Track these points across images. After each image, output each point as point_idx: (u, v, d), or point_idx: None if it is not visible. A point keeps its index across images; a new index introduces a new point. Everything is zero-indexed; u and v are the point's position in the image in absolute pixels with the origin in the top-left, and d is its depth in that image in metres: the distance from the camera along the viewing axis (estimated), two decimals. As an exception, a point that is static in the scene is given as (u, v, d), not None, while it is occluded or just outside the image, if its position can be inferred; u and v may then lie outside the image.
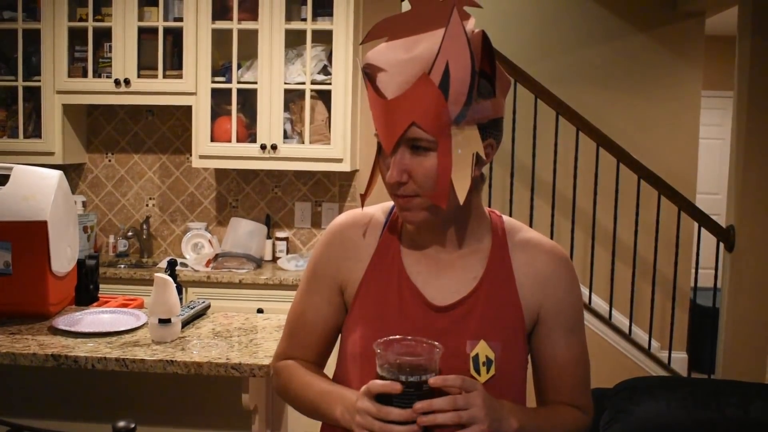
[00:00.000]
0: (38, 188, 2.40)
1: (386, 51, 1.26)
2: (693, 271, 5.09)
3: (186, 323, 2.42)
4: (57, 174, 2.47)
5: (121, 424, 1.53)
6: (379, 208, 1.48)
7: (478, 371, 1.31)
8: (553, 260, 1.40)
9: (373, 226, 1.44)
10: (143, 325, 2.39)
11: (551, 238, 4.79)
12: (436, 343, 1.25)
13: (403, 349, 1.26)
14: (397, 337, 1.27)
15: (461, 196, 1.25)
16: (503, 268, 1.38)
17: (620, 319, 4.93)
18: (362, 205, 1.43)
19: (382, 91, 1.25)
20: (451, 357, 1.28)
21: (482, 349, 1.32)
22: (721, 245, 4.69)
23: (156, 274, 2.26)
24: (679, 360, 5.28)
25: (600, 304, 4.96)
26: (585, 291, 4.87)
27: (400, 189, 1.28)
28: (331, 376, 1.46)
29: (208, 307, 2.62)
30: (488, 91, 1.27)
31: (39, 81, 4.12)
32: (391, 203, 1.45)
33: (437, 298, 1.36)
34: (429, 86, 1.20)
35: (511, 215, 4.74)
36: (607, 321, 4.79)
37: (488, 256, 1.38)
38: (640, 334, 4.98)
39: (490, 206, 5.03)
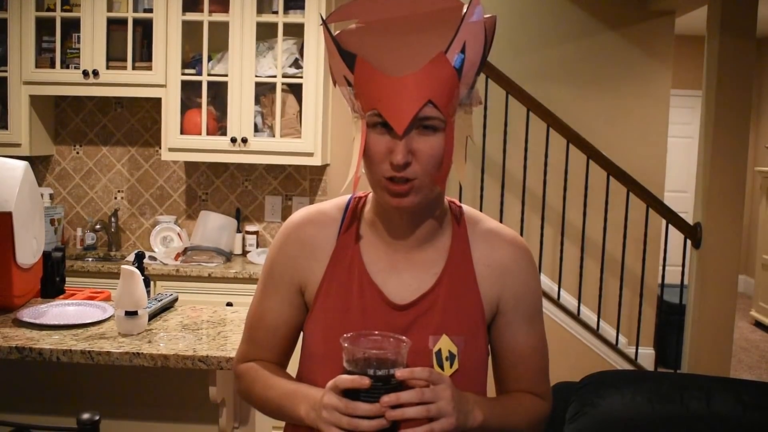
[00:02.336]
0: (3, 179, 2.36)
1: (372, 30, 1.25)
2: (661, 267, 5.14)
3: (153, 316, 2.41)
4: (22, 165, 2.44)
5: (86, 416, 1.52)
6: (334, 204, 1.44)
7: (441, 366, 1.30)
8: (513, 250, 1.39)
9: (329, 224, 1.41)
10: (110, 317, 2.37)
11: (521, 233, 4.82)
12: (403, 337, 1.25)
13: (371, 344, 1.24)
14: (364, 332, 1.27)
15: (461, 177, 1.28)
16: (463, 262, 1.37)
17: (588, 315, 4.97)
18: (354, 189, 1.36)
19: (385, 69, 1.21)
20: (413, 354, 1.26)
21: (445, 344, 1.32)
22: (689, 242, 4.74)
23: (122, 266, 2.24)
24: (646, 355, 5.34)
25: (568, 299, 4.99)
26: (554, 287, 4.91)
27: (405, 170, 1.23)
28: (294, 376, 1.44)
29: (176, 299, 2.61)
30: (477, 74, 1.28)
31: (5, 71, 4.06)
32: (345, 198, 1.44)
33: (398, 295, 1.34)
34: (445, 65, 1.20)
35: (481, 210, 4.76)
36: (576, 316, 4.83)
37: (449, 249, 1.37)
38: (608, 330, 5.02)
39: (461, 201, 5.04)
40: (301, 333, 1.45)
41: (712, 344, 4.62)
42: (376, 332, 1.27)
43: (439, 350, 1.31)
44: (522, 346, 1.41)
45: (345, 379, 1.19)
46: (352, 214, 1.41)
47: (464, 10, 1.21)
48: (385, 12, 1.25)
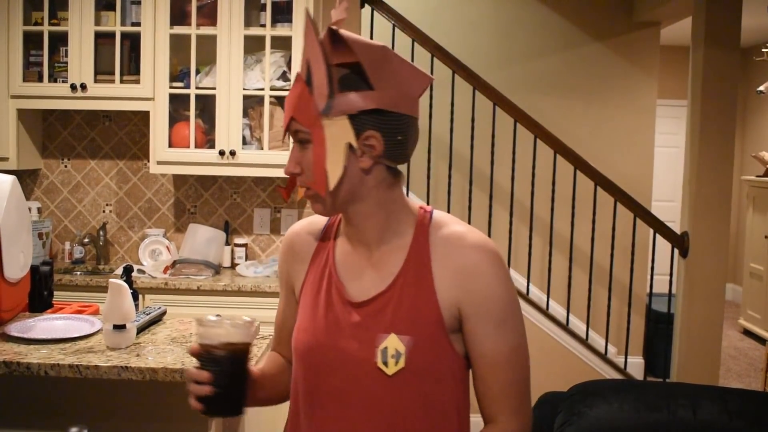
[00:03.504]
0: (-10, 193, 2.36)
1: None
2: (648, 276, 5.17)
3: (141, 329, 2.41)
4: (10, 179, 2.44)
5: (74, 430, 1.51)
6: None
7: (386, 363, 1.35)
8: (475, 253, 1.38)
9: (316, 229, 1.54)
10: (98, 331, 2.37)
11: (509, 244, 4.84)
12: (248, 319, 1.39)
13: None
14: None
15: (332, 183, 1.34)
16: (421, 264, 1.40)
17: (577, 324, 4.99)
18: (286, 199, 1.52)
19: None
20: (361, 349, 1.37)
21: (391, 342, 1.36)
22: (676, 251, 4.76)
23: (110, 280, 2.24)
24: (635, 365, 5.36)
25: (557, 309, 5.01)
26: (543, 297, 4.92)
27: (297, 179, 1.40)
28: None
29: (164, 313, 2.60)
30: (356, 83, 1.34)
31: (-7, 85, 4.06)
32: None
33: (356, 294, 1.42)
34: (299, 83, 1.36)
35: (469, 221, 4.78)
36: (564, 326, 4.84)
37: (408, 250, 1.41)
38: (597, 339, 5.04)
39: (449, 212, 5.03)
40: None
41: (701, 353, 4.64)
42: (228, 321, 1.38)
43: (385, 348, 1.36)
44: (490, 354, 1.39)
45: (192, 347, 1.40)
46: (333, 222, 1.53)
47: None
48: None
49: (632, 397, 2.21)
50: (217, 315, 1.41)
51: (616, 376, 4.88)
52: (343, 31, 1.34)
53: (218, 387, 1.36)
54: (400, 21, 4.52)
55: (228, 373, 1.37)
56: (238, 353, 1.38)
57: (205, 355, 1.37)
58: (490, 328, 1.38)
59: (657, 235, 4.79)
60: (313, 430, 1.43)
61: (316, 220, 1.55)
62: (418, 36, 4.55)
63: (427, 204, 4.65)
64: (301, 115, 1.35)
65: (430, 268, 1.39)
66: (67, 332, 2.34)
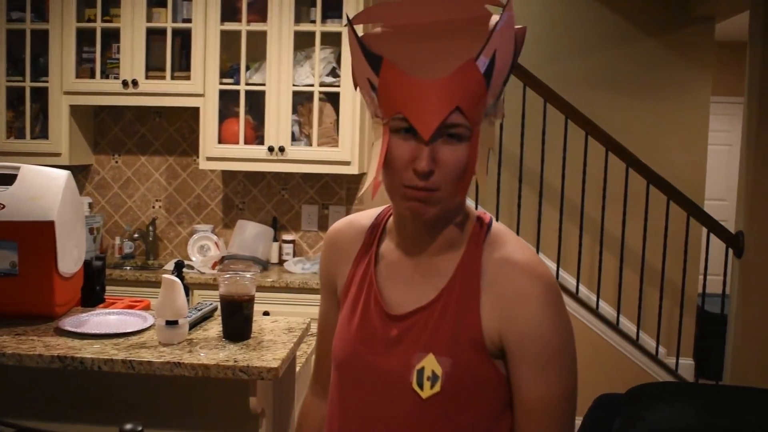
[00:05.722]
0: (46, 188, 2.38)
1: (398, 34, 1.21)
2: (701, 277, 5.06)
3: (193, 325, 2.40)
4: (65, 174, 2.45)
5: (128, 426, 1.51)
6: (369, 213, 1.46)
7: (421, 385, 1.23)
8: (527, 282, 1.23)
9: (359, 230, 1.42)
10: (150, 326, 2.37)
11: (559, 243, 4.77)
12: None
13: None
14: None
15: (483, 189, 1.26)
16: (470, 282, 1.25)
17: (627, 325, 4.91)
18: (373, 195, 1.28)
19: (413, 72, 1.17)
20: (396, 367, 1.25)
21: (429, 363, 1.23)
22: (730, 251, 4.66)
23: (163, 276, 2.24)
24: (686, 366, 5.25)
25: (607, 309, 4.93)
26: (592, 296, 4.85)
27: (429, 178, 1.18)
28: None
29: (216, 309, 2.60)
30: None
31: (46, 82, 4.11)
32: (381, 208, 1.44)
33: (395, 305, 1.30)
34: (474, 73, 1.15)
35: (518, 220, 4.73)
36: (615, 326, 4.76)
37: (457, 264, 1.28)
38: (647, 340, 4.95)
39: (498, 212, 4.96)
40: None
41: (756, 355, 4.53)
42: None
43: (422, 368, 1.23)
44: (527, 398, 1.23)
45: None
46: (379, 223, 1.41)
47: (494, 19, 1.18)
48: (412, 16, 1.21)
49: (694, 400, 2.15)
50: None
51: (667, 377, 4.79)
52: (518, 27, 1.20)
53: None
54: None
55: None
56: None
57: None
58: (529, 370, 1.22)
59: (711, 235, 4.69)
60: None
61: (358, 219, 1.44)
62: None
63: (476, 203, 4.60)
64: (471, 108, 1.17)
65: (478, 289, 1.25)
66: (120, 327, 2.35)
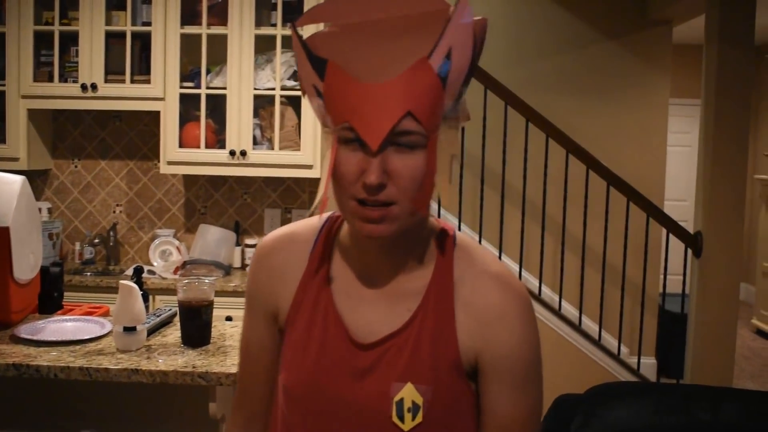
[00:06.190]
0: (0, 194, 2.35)
1: (346, 34, 1.09)
2: (661, 277, 5.13)
3: (152, 331, 2.39)
4: (20, 179, 2.42)
5: (84, 434, 1.50)
6: (307, 225, 1.29)
7: (401, 418, 1.13)
8: (504, 301, 1.17)
9: (301, 247, 1.26)
10: (108, 333, 2.35)
11: (521, 245, 4.81)
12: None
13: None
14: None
15: (445, 201, 1.12)
16: (443, 300, 1.17)
17: (590, 325, 4.95)
18: (321, 213, 1.23)
19: (359, 76, 1.06)
20: (374, 399, 1.14)
21: (408, 393, 1.14)
22: (689, 251, 4.72)
23: (121, 282, 2.22)
24: (648, 365, 5.32)
25: (570, 310, 4.97)
26: (555, 297, 4.89)
27: (379, 192, 1.07)
28: None
29: (175, 314, 2.58)
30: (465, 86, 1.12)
31: (3, 85, 4.05)
32: (319, 218, 1.28)
33: (362, 332, 1.18)
34: (428, 72, 1.04)
35: (481, 221, 4.76)
36: (577, 327, 4.81)
37: (428, 284, 1.18)
38: (610, 340, 5.00)
39: (460, 214, 4.96)
40: None
41: (715, 353, 4.60)
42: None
43: (401, 399, 1.14)
44: (503, 415, 1.17)
45: None
46: (326, 236, 1.26)
47: (451, 12, 1.06)
48: (361, 13, 1.09)
49: (650, 399, 2.18)
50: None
51: (629, 376, 4.85)
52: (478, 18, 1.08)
53: None
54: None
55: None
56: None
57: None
58: (507, 388, 1.17)
59: (670, 235, 4.76)
60: None
61: (299, 233, 1.28)
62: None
63: (438, 205, 4.62)
64: (425, 113, 1.05)
65: (452, 307, 1.16)
66: (77, 334, 2.33)
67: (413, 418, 1.13)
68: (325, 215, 1.27)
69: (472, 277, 1.18)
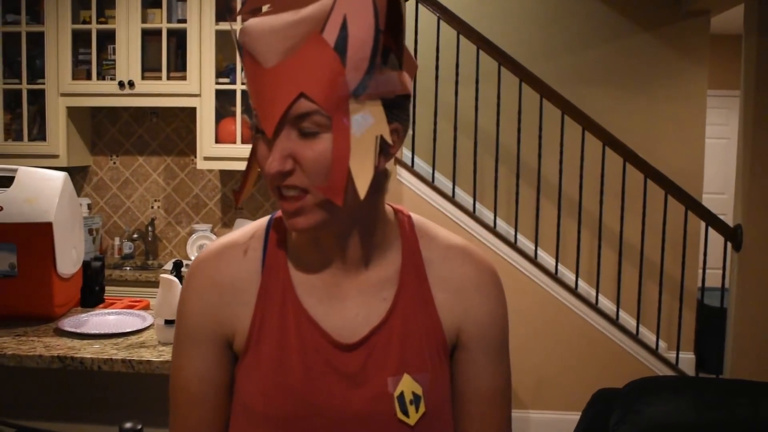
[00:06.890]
0: (43, 190, 2.39)
1: (269, 17, 0.99)
2: (700, 271, 5.06)
3: (192, 324, 2.41)
4: (62, 175, 2.46)
5: (128, 425, 1.52)
6: (249, 232, 1.17)
7: (406, 412, 1.07)
8: (476, 271, 1.15)
9: (249, 256, 1.13)
10: (149, 326, 2.38)
11: (557, 239, 4.78)
12: None
13: None
14: None
15: (362, 189, 0.98)
16: (418, 283, 1.12)
17: (627, 320, 4.91)
18: (236, 204, 1.15)
19: (260, 59, 0.97)
20: (374, 402, 1.07)
21: (407, 385, 1.08)
22: (729, 245, 4.66)
23: (161, 275, 2.25)
24: (687, 360, 5.26)
25: (607, 304, 4.93)
26: (591, 291, 4.85)
27: (284, 181, 1.00)
28: None
29: (214, 308, 2.61)
30: (393, 62, 1.02)
31: (43, 84, 4.12)
32: (264, 221, 1.18)
33: (344, 332, 1.09)
34: (322, 48, 0.94)
35: (516, 217, 4.73)
36: (614, 321, 4.76)
37: (399, 270, 1.12)
38: (647, 335, 4.95)
39: (496, 208, 4.92)
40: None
41: (755, 348, 4.53)
42: None
43: (402, 393, 1.07)
44: (485, 389, 1.15)
45: None
46: (276, 239, 1.14)
47: None
48: None
49: (689, 394, 2.16)
50: None
51: (667, 371, 4.79)
52: None
53: None
54: (444, 13, 4.48)
55: None
56: None
57: None
58: (492, 359, 1.15)
59: (709, 229, 4.69)
60: None
61: (241, 242, 1.14)
62: (463, 28, 4.50)
63: (474, 199, 4.61)
64: (320, 93, 0.95)
65: (428, 287, 1.13)
66: (119, 327, 2.36)
67: (417, 410, 1.08)
68: (266, 218, 1.19)
69: (440, 254, 1.15)
